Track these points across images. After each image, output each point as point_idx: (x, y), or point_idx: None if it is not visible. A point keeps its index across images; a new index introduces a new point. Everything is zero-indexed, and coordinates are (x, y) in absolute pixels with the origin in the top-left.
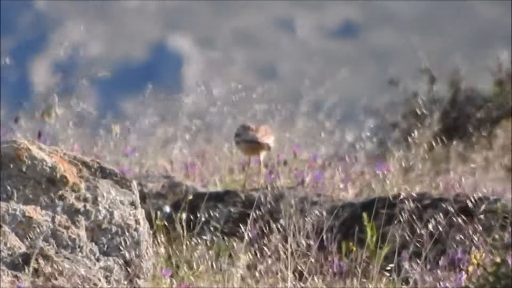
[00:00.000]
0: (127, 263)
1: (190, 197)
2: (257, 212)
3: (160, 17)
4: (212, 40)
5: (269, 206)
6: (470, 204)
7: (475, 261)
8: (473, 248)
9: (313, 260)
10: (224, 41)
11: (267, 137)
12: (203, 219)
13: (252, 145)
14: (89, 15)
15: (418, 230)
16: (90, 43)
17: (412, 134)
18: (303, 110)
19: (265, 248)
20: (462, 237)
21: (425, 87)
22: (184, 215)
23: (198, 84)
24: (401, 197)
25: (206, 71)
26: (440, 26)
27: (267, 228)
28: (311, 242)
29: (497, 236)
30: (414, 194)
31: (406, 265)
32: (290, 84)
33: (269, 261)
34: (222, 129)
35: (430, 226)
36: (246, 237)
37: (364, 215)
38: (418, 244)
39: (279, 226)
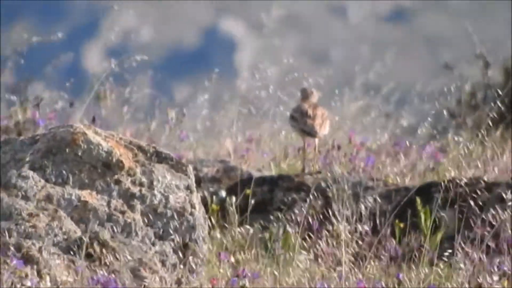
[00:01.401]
0: (182, 248)
1: (251, 185)
2: (311, 196)
3: (212, 1)
4: (264, 25)
5: (323, 191)
6: None
7: None
8: None
9: (367, 245)
10: (276, 26)
11: (324, 126)
12: (257, 203)
13: (309, 136)
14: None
15: (472, 215)
16: (142, 28)
17: (467, 119)
18: (357, 95)
19: (320, 233)
20: None
21: (479, 73)
22: (238, 200)
23: (250, 68)
24: (456, 181)
25: (258, 56)
26: (493, 11)
27: (321, 213)
28: (365, 227)
29: None
30: (468, 179)
31: (460, 250)
32: (343, 69)
33: (324, 246)
34: (275, 114)
35: (484, 211)
36: (300, 222)
37: (418, 199)
38: (472, 227)
39: (333, 211)
